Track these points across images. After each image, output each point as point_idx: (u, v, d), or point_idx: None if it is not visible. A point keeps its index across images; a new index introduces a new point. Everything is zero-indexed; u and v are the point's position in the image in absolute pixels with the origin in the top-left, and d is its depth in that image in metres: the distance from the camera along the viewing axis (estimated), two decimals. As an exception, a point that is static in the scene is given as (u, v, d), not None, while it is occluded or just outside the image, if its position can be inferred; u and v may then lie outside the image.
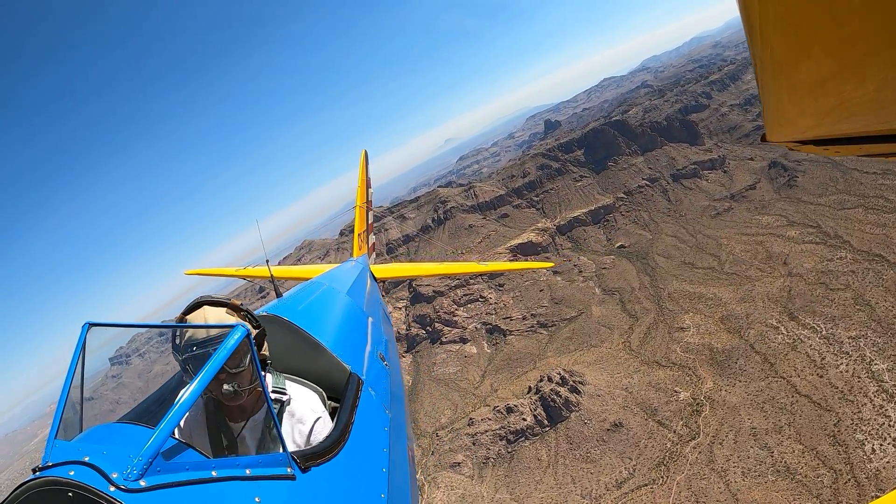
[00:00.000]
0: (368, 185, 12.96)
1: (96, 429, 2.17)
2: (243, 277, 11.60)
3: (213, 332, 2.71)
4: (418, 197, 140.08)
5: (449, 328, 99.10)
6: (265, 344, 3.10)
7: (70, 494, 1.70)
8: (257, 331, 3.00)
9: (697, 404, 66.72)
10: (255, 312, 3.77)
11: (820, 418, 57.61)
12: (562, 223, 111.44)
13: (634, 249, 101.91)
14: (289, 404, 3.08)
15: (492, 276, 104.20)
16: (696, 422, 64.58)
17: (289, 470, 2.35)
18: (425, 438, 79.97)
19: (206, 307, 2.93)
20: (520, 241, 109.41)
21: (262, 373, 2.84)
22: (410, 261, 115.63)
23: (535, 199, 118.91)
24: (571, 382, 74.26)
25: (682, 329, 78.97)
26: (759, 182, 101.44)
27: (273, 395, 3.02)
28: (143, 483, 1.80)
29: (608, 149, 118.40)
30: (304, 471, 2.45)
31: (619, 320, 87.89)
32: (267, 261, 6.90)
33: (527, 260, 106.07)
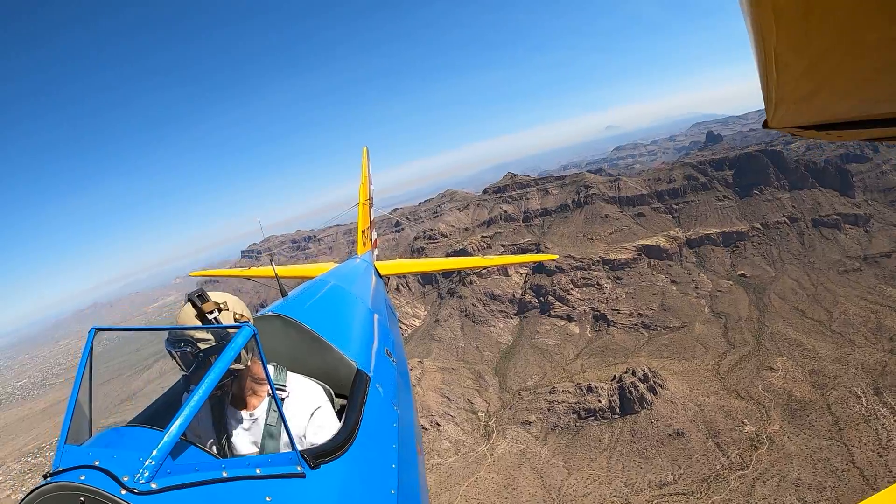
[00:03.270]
0: (370, 182, 13.03)
1: (106, 433, 2.28)
2: (248, 277, 11.76)
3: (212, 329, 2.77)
4: (565, 175, 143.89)
5: (560, 304, 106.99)
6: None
7: (82, 499, 1.74)
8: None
9: (758, 440, 69.93)
10: (262, 311, 4.28)
11: (864, 493, 56.19)
12: (692, 237, 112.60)
13: (754, 282, 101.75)
14: (289, 398, 3.15)
15: (611, 266, 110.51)
16: (750, 455, 68.11)
17: (298, 468, 2.41)
18: (508, 394, 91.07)
19: (227, 299, 2.98)
20: (648, 242, 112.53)
21: (266, 368, 2.95)
22: (543, 234, 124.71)
23: (675, 206, 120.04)
24: (652, 382, 79.76)
25: (772, 369, 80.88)
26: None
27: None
28: (153, 485, 1.85)
29: (758, 176, 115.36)
30: (313, 468, 2.50)
31: (716, 343, 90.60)
32: (271, 259, 9.17)
33: (650, 262, 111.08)
